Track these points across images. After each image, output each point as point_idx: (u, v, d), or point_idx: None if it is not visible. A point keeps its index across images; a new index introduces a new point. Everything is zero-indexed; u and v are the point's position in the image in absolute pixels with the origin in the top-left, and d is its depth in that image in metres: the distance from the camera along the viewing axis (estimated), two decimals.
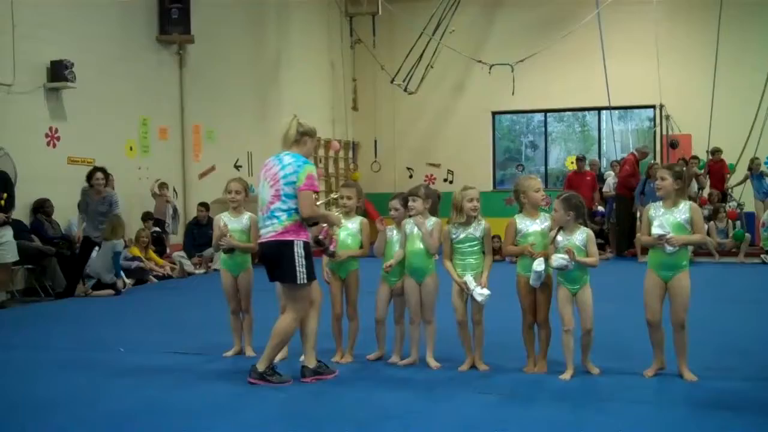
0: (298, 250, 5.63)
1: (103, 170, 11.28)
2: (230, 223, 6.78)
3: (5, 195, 10.12)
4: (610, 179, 16.93)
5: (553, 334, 6.00)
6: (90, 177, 11.19)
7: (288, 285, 5.73)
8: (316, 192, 5.77)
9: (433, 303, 6.28)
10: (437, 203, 6.37)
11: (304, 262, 5.64)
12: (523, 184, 6.13)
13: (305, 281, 5.66)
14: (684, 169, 5.82)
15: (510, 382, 5.77)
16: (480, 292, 5.94)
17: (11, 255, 10.27)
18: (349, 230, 6.45)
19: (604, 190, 16.86)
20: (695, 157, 16.95)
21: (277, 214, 5.65)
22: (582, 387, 5.58)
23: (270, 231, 5.69)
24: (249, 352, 6.79)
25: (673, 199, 5.71)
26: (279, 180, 5.68)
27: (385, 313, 6.46)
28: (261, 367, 5.67)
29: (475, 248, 6.08)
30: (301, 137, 5.82)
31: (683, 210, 5.68)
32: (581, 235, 5.80)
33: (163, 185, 14.04)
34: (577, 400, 5.22)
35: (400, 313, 6.47)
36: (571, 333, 5.81)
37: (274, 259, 5.70)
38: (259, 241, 5.85)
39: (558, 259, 5.70)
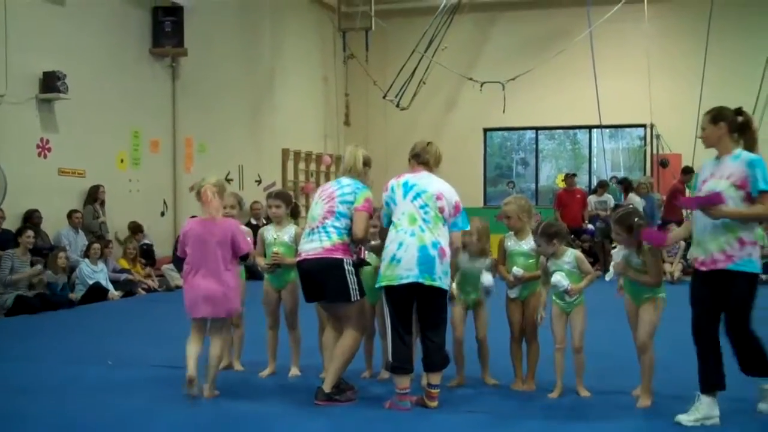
0: (348, 268, 5.62)
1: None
2: None
3: None
4: (593, 198, 16.96)
5: (544, 353, 6.01)
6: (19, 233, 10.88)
7: (341, 304, 5.68)
8: (371, 216, 5.79)
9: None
10: None
11: (354, 279, 5.63)
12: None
13: (358, 297, 5.65)
14: (636, 220, 5.64)
15: (497, 400, 5.77)
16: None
17: None
18: None
19: (588, 209, 16.85)
20: (689, 170, 16.50)
21: (328, 230, 5.63)
22: (570, 405, 5.58)
23: (316, 247, 5.64)
24: (237, 366, 6.76)
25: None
26: (335, 198, 5.69)
27: (373, 330, 6.43)
28: (327, 388, 5.60)
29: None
30: (363, 167, 5.86)
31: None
32: (569, 259, 5.81)
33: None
34: (565, 419, 5.23)
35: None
36: (563, 351, 5.83)
37: (322, 277, 5.63)
38: (301, 258, 5.75)
39: (559, 279, 5.71)
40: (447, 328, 5.73)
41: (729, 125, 5.20)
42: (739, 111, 5.26)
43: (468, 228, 5.77)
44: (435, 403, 5.46)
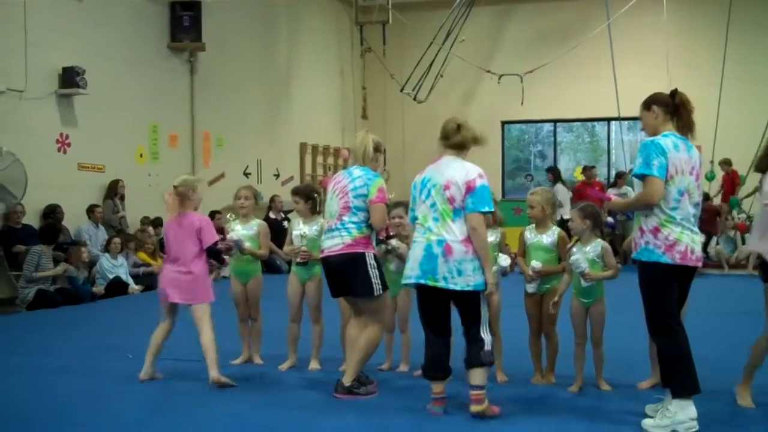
0: (370, 261, 5.62)
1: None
2: (240, 230, 6.74)
3: None
4: (612, 191, 16.87)
5: (564, 346, 5.99)
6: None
7: (364, 298, 5.67)
8: (387, 204, 5.77)
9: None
10: None
11: (377, 273, 5.64)
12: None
13: (381, 292, 5.65)
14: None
15: (517, 393, 5.76)
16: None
17: None
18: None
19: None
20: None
21: (348, 226, 5.62)
22: (590, 399, 5.57)
23: (338, 243, 5.64)
24: (257, 360, 6.80)
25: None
26: (348, 193, 5.65)
27: (392, 324, 6.48)
28: (347, 381, 5.62)
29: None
30: (374, 153, 5.81)
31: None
32: (596, 248, 5.79)
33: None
34: (585, 413, 5.21)
35: (404, 322, 6.48)
36: (583, 346, 5.81)
37: (346, 272, 5.64)
38: (324, 254, 5.76)
39: (578, 258, 5.67)
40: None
41: (663, 109, 5.09)
42: (673, 93, 5.12)
43: (487, 209, 5.18)
44: (477, 408, 5.06)
